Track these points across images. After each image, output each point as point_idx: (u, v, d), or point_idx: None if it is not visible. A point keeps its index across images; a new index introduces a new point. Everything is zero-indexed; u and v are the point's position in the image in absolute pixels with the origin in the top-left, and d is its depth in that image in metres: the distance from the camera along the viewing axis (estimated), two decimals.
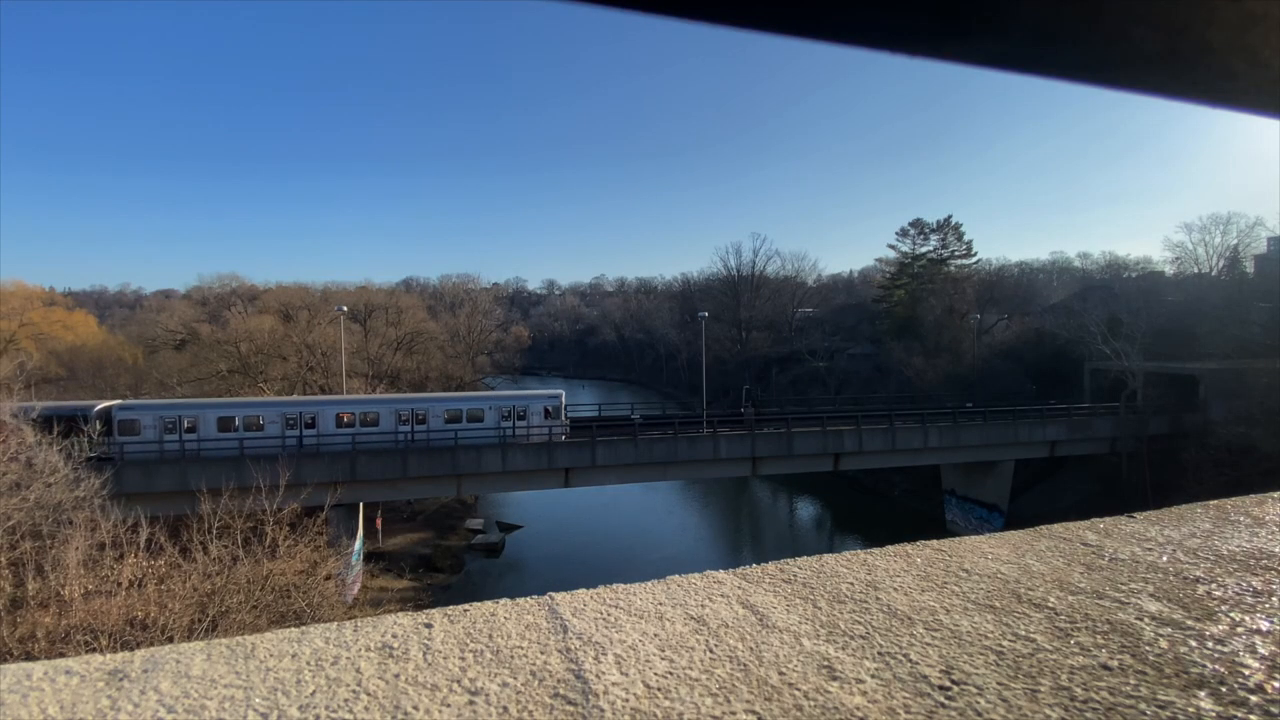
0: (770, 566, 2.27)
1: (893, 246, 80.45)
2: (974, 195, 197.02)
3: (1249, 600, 2.00)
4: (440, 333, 72.70)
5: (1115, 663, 1.64)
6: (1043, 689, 1.53)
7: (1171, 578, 2.18)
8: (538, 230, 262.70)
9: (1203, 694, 1.50)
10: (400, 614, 1.91)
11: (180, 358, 54.93)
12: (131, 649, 1.73)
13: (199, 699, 1.47)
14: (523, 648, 1.71)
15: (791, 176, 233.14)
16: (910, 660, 1.66)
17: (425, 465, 33.61)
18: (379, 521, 39.76)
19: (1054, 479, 45.25)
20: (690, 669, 1.61)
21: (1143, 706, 1.46)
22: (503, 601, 1.98)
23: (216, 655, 1.66)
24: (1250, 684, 1.54)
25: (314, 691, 1.51)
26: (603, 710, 1.44)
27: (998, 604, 1.99)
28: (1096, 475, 42.88)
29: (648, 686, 1.53)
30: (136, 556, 16.10)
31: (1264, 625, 1.84)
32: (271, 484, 19.73)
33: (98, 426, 29.02)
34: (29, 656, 12.31)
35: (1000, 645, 1.74)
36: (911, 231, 78.86)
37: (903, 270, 78.68)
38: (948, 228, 77.68)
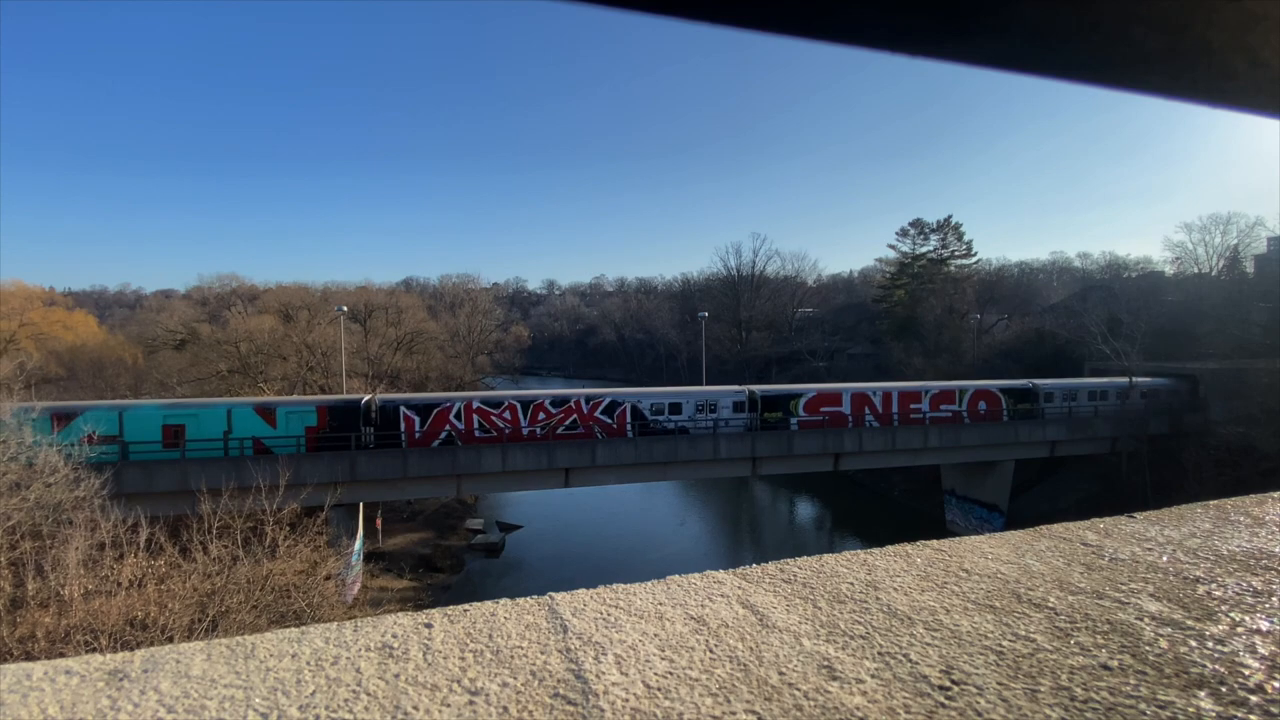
0: (770, 566, 2.27)
1: (893, 246, 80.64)
2: (974, 195, 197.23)
3: (1249, 600, 2.00)
4: (440, 333, 72.67)
5: (1115, 663, 1.64)
6: (1043, 689, 1.52)
7: (1171, 578, 2.17)
8: (538, 230, 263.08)
9: (1203, 694, 1.50)
10: (400, 614, 1.90)
11: (180, 358, 54.84)
12: (131, 649, 1.72)
13: (199, 699, 1.47)
14: (523, 648, 1.71)
15: (792, 176, 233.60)
16: (910, 660, 1.66)
17: (425, 465, 33.60)
18: (379, 521, 39.73)
19: (1054, 479, 45.20)
20: (690, 669, 1.61)
21: (1143, 706, 1.46)
22: (503, 601, 1.97)
23: (216, 655, 1.66)
24: (1250, 684, 1.54)
25: (314, 691, 1.51)
26: (603, 710, 1.44)
27: (998, 604, 1.98)
28: (1096, 475, 42.80)
29: (648, 686, 1.53)
30: (136, 556, 16.08)
31: (1264, 625, 1.83)
32: (271, 484, 19.74)
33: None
34: (29, 656, 12.31)
35: (1000, 645, 1.73)
36: (911, 231, 78.96)
37: (903, 270, 78.72)
38: (948, 228, 77.76)
